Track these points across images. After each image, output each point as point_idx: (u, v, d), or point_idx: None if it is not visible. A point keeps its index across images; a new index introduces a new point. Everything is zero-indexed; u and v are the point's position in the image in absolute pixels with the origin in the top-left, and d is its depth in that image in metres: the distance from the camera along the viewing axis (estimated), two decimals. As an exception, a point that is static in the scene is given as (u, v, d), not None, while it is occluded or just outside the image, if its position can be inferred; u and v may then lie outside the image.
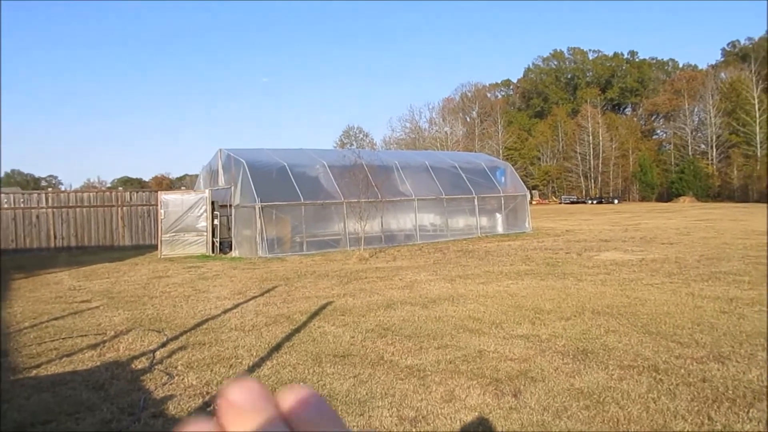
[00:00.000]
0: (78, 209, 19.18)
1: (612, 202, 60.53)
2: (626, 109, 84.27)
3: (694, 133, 65.38)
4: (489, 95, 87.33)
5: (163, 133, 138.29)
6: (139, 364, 5.37)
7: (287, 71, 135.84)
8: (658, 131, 76.53)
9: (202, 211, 15.96)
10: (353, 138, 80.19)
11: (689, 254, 12.30)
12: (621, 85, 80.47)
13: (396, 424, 3.82)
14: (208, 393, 4.52)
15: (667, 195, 61.55)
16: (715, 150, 61.60)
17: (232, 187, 15.92)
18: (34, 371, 5.23)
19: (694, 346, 5.34)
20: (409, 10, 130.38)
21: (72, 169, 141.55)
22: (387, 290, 9.00)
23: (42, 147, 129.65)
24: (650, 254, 12.60)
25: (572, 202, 64.78)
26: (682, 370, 4.66)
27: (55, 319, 7.58)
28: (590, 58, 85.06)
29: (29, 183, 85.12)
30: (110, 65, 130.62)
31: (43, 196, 19.23)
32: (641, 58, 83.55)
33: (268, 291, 9.28)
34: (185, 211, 15.87)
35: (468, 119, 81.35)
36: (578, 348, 5.38)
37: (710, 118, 61.96)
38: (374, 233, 16.22)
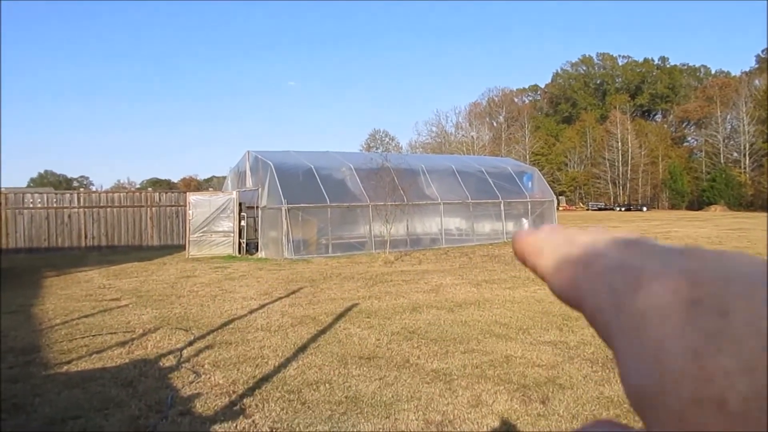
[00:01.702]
0: (108, 209, 19.50)
1: (640, 210, 59.54)
2: (656, 116, 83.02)
3: (726, 141, 64.12)
4: (516, 100, 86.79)
5: (191, 135, 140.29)
6: (167, 362, 5.42)
7: (314, 75, 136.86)
8: (689, 138, 75.23)
9: (229, 212, 16.11)
10: (379, 141, 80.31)
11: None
12: (651, 91, 79.30)
13: (422, 428, 3.79)
14: (234, 392, 4.54)
15: (698, 203, 60.42)
16: (748, 158, 60.32)
17: (259, 189, 16.04)
18: (65, 367, 5.31)
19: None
20: (437, 14, 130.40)
21: (103, 170, 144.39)
22: (412, 293, 8.97)
23: (74, 149, 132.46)
24: (681, 262, 12.36)
25: (600, 209, 63.89)
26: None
27: (86, 316, 7.70)
28: (620, 63, 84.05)
29: (62, 183, 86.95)
30: (140, 70, 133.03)
31: (75, 196, 19.59)
32: (672, 64, 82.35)
33: (293, 292, 9.32)
34: (213, 212, 16.04)
35: (495, 124, 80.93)
36: (607, 356, 5.28)
37: (743, 125, 60.72)
38: (400, 236, 16.20)
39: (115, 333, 6.66)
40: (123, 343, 6.13)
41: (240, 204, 16.26)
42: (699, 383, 0.19)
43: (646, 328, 0.20)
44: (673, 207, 63.45)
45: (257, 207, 16.12)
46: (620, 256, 0.23)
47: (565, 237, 0.26)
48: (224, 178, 22.40)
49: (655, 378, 0.20)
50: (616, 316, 0.21)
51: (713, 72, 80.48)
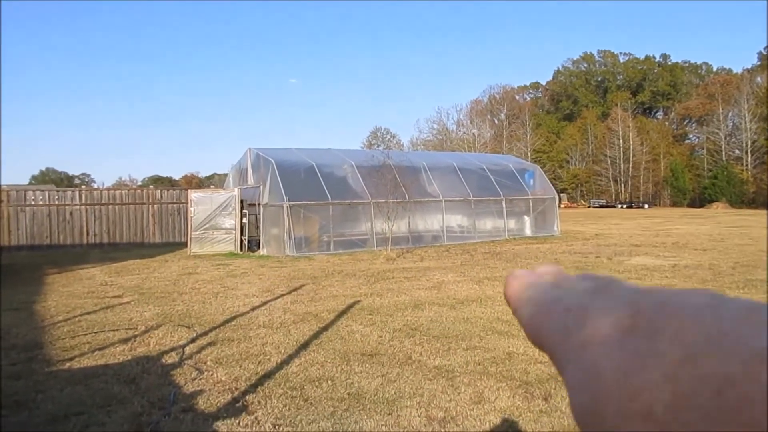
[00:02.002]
0: (110, 206, 19.50)
1: (642, 207, 59.45)
2: (658, 113, 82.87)
3: (728, 138, 64.01)
4: (517, 97, 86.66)
5: (193, 132, 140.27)
6: (169, 359, 5.42)
7: (315, 72, 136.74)
8: (691, 136, 75.08)
9: (231, 209, 16.11)
10: (380, 139, 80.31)
11: (723, 261, 12.03)
12: (652, 88, 79.14)
13: (425, 425, 3.79)
14: (236, 389, 4.54)
15: (700, 201, 60.30)
16: (750, 155, 60.22)
17: (261, 186, 16.04)
18: (68, 364, 5.31)
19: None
20: (438, 12, 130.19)
21: (104, 168, 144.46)
22: (414, 290, 8.96)
23: (76, 146, 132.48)
24: (683, 260, 12.35)
25: (601, 206, 63.85)
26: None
27: (88, 313, 7.70)
28: (621, 61, 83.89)
29: (63, 181, 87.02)
30: (141, 68, 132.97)
31: (77, 193, 19.60)
32: (674, 61, 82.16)
33: (295, 289, 9.32)
34: (214, 210, 16.04)
35: (496, 121, 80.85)
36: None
37: (745, 123, 60.60)
38: (401, 234, 16.20)
39: (117, 330, 6.66)
40: (125, 340, 6.13)
41: (242, 201, 16.26)
42: (627, 398, 0.21)
43: (586, 354, 0.23)
44: (674, 204, 63.37)
45: (259, 204, 16.12)
46: (578, 299, 0.26)
47: (546, 286, 0.30)
48: (226, 175, 22.40)
49: (591, 398, 0.22)
50: (565, 349, 0.24)
51: (715, 69, 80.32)
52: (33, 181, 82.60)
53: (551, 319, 0.26)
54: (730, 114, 64.48)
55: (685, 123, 75.97)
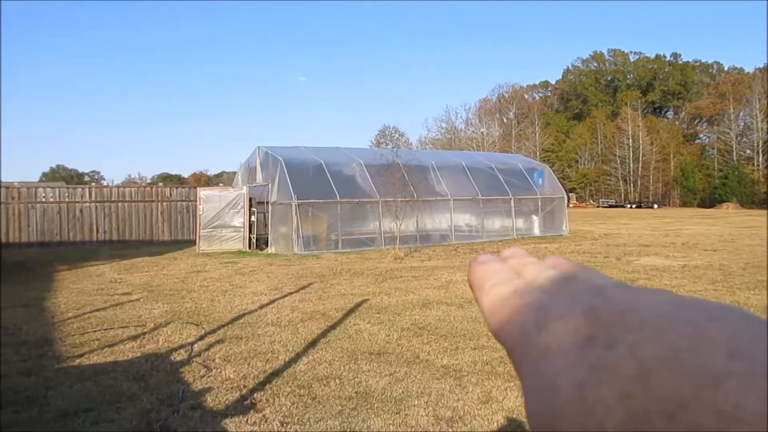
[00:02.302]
0: (120, 204, 19.61)
1: (651, 207, 59.12)
2: (668, 113, 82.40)
3: (739, 138, 63.58)
4: (526, 96, 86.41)
5: (201, 130, 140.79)
6: (178, 357, 5.44)
7: (324, 71, 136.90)
8: (701, 135, 74.61)
9: (239, 207, 16.16)
10: (389, 138, 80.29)
11: (734, 261, 11.94)
12: (663, 87, 78.68)
13: (432, 424, 3.79)
14: (245, 386, 4.56)
15: (710, 201, 59.91)
16: (761, 155, 59.78)
17: (269, 185, 16.07)
18: (77, 360, 5.35)
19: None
20: (446, 10, 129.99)
21: (114, 165, 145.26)
22: (422, 289, 8.96)
23: (86, 144, 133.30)
24: (693, 260, 12.28)
25: (610, 206, 63.55)
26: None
27: (97, 310, 7.75)
28: (631, 60, 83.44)
29: (73, 178, 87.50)
30: (151, 66, 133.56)
31: (87, 190, 19.72)
32: (684, 60, 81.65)
33: (303, 288, 9.33)
34: (223, 208, 16.09)
35: (505, 120, 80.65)
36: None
37: (757, 122, 60.16)
38: (409, 232, 16.19)
39: (126, 327, 6.70)
40: (134, 337, 6.16)
41: (250, 199, 16.31)
42: (582, 414, 0.20)
43: (544, 363, 0.22)
44: (684, 204, 62.99)
45: (267, 202, 16.16)
46: (539, 297, 0.25)
47: (508, 274, 0.29)
48: (234, 173, 22.46)
49: (547, 410, 0.21)
50: (523, 353, 0.23)
51: (726, 68, 79.75)
52: (43, 179, 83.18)
53: (510, 315, 0.25)
54: (741, 113, 64.05)
55: (695, 122, 75.51)
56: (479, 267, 0.30)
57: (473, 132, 79.80)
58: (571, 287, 0.26)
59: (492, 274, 0.29)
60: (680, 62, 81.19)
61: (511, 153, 45.83)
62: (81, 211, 19.09)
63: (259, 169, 17.17)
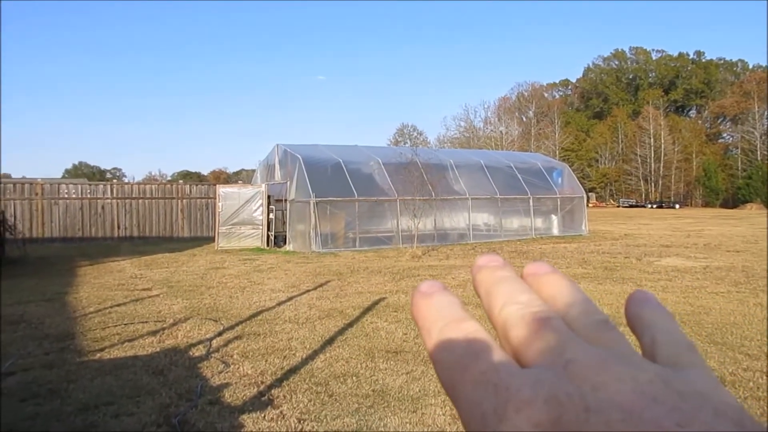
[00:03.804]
0: (140, 201, 19.84)
1: (673, 207, 58.41)
2: (690, 111, 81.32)
3: (763, 137, 62.50)
4: (546, 95, 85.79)
5: (221, 128, 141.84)
6: (197, 352, 5.49)
7: (343, 69, 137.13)
8: (725, 135, 73.56)
9: (258, 204, 16.26)
10: (407, 136, 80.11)
11: (757, 263, 11.75)
12: (686, 86, 77.66)
13: (449, 423, 3.78)
14: (262, 383, 4.59)
15: (733, 201, 59.05)
16: (786, 155, 58.74)
17: (288, 182, 16.14)
18: (98, 354, 5.42)
19: (763, 359, 5.09)
20: (466, 8, 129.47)
21: (135, 162, 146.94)
22: (440, 289, 8.92)
23: (108, 141, 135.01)
24: (715, 261, 12.11)
25: (631, 206, 62.92)
26: (751, 384, 4.45)
27: (118, 305, 7.85)
28: (653, 58, 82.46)
29: (95, 175, 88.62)
30: (172, 64, 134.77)
31: (108, 187, 19.97)
32: (708, 58, 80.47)
33: (321, 285, 9.36)
34: (242, 205, 16.21)
35: (524, 119, 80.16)
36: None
37: (782, 121, 59.13)
38: (427, 231, 16.16)
39: (146, 322, 6.78)
40: (154, 332, 6.23)
41: (269, 197, 16.40)
42: None
43: None
44: (706, 205, 62.15)
45: (285, 200, 16.24)
46: (498, 367, 0.23)
47: (458, 313, 0.26)
48: (253, 171, 22.62)
49: None
50: None
51: (751, 66, 78.36)
52: (66, 175, 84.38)
53: (464, 383, 0.23)
54: (766, 112, 62.93)
55: (719, 121, 74.43)
56: (422, 302, 0.27)
57: (492, 131, 79.43)
58: (539, 346, 0.23)
59: (439, 312, 0.26)
60: (704, 60, 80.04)
61: (531, 152, 45.55)
62: (103, 207, 19.35)
63: (277, 167, 17.25)
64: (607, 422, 0.19)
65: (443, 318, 0.26)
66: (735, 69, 79.84)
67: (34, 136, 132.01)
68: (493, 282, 0.28)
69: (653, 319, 0.27)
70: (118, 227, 19.50)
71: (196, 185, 21.64)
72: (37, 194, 18.56)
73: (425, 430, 3.71)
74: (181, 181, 23.52)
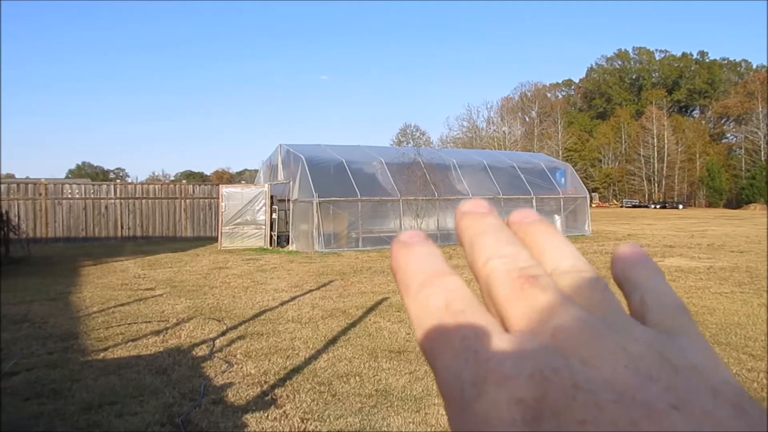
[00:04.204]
0: (144, 201, 19.87)
1: (676, 207, 58.31)
2: (694, 112, 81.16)
3: (767, 138, 62.32)
4: (549, 95, 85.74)
5: (224, 128, 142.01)
6: (200, 352, 5.49)
7: (346, 69, 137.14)
8: (728, 135, 73.40)
9: (261, 204, 16.27)
10: (410, 136, 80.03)
11: (761, 263, 11.71)
12: (689, 86, 77.52)
13: (452, 423, 3.77)
14: (265, 382, 4.59)
15: (737, 202, 58.89)
16: (790, 155, 58.57)
17: (291, 182, 16.15)
18: (102, 354, 5.43)
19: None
20: (469, 8, 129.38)
21: (138, 163, 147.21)
22: (443, 289, 8.92)
23: (111, 141, 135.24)
24: (718, 262, 12.08)
25: (634, 206, 62.81)
26: (755, 384, 4.43)
27: (122, 305, 7.86)
28: (657, 58, 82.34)
29: (99, 175, 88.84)
30: (174, 64, 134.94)
31: (112, 187, 20.01)
32: (711, 58, 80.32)
33: (324, 285, 9.37)
34: (245, 205, 16.22)
35: (527, 119, 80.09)
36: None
37: (786, 121, 58.96)
38: (430, 231, 16.14)
39: (149, 322, 6.78)
40: (157, 332, 6.24)
41: (271, 197, 16.41)
42: None
43: None
44: (710, 205, 62.01)
45: (288, 200, 16.24)
46: (478, 333, 0.21)
47: (440, 266, 0.24)
48: (256, 171, 22.62)
49: None
50: (461, 414, 0.19)
51: (755, 66, 78.20)
52: (70, 175, 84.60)
53: (443, 350, 0.21)
54: (769, 113, 62.81)
55: (722, 122, 74.28)
56: (401, 253, 0.24)
57: (495, 131, 79.34)
58: (525, 308, 0.21)
59: (419, 265, 0.24)
60: (707, 60, 79.90)
61: (534, 152, 45.50)
62: (106, 207, 19.38)
63: (280, 167, 17.26)
64: (597, 403, 0.18)
65: (423, 271, 0.23)
66: (739, 69, 79.68)
67: (37, 136, 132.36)
68: (478, 231, 0.25)
69: (642, 277, 0.25)
70: (122, 227, 19.54)
71: (199, 185, 21.66)
72: (40, 194, 18.61)
73: (429, 430, 3.71)
74: (184, 181, 23.55)
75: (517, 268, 0.23)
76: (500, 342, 0.20)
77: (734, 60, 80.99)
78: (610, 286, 0.25)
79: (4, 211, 14.56)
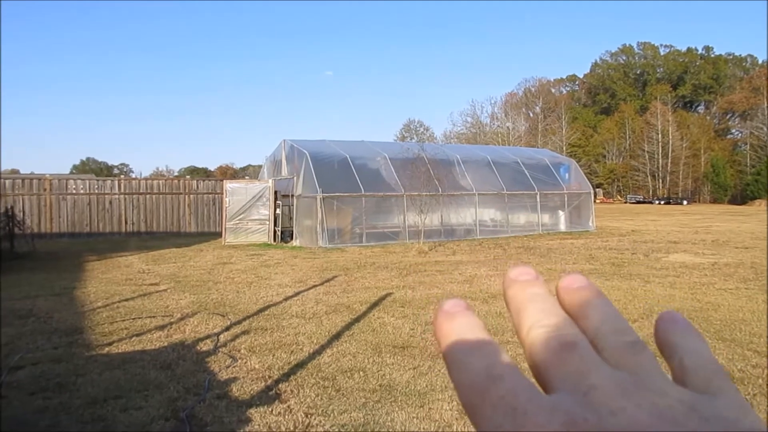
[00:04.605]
0: (148, 196, 19.90)
1: (680, 203, 58.15)
2: (699, 107, 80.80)
3: (772, 133, 62.06)
4: (553, 90, 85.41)
5: (228, 124, 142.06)
6: (204, 347, 5.51)
7: (349, 65, 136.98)
8: (733, 131, 73.08)
9: (265, 200, 16.28)
10: (413, 131, 79.98)
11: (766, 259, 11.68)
12: (694, 81, 77.13)
13: (456, 418, 3.77)
14: (270, 377, 4.60)
15: (741, 198, 58.70)
16: (795, 151, 58.30)
17: (295, 178, 16.15)
18: (106, 349, 5.44)
19: (773, 354, 5.06)
20: (471, 3, 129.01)
21: (142, 158, 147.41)
22: (446, 284, 8.93)
23: (115, 137, 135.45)
24: (723, 258, 12.04)
25: (638, 202, 62.63)
26: (760, 380, 4.42)
27: (126, 300, 7.88)
28: (661, 53, 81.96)
29: (103, 170, 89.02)
30: (178, 60, 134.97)
31: (116, 182, 20.05)
32: (717, 53, 79.89)
33: (328, 280, 9.37)
34: (249, 200, 16.23)
35: (531, 115, 79.87)
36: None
37: (791, 117, 58.66)
38: (434, 227, 16.14)
39: (154, 317, 6.80)
40: (162, 327, 6.25)
41: (275, 192, 16.42)
42: None
43: None
44: (714, 201, 61.82)
45: (292, 195, 16.25)
46: (515, 388, 0.23)
47: (482, 335, 0.26)
48: (260, 166, 22.63)
49: None
50: None
51: (760, 62, 77.67)
52: (74, 171, 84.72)
53: (485, 409, 0.23)
54: (775, 108, 62.51)
55: (727, 117, 73.95)
56: (445, 324, 0.27)
57: (499, 126, 79.13)
58: (562, 372, 0.23)
59: (462, 334, 0.26)
60: (712, 55, 79.50)
61: (537, 147, 45.40)
62: (110, 202, 19.42)
63: (284, 163, 17.26)
64: None
65: (468, 344, 0.25)
66: (744, 64, 79.25)
67: (42, 132, 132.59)
68: (524, 299, 0.27)
69: (682, 341, 0.26)
70: (126, 222, 19.58)
71: (203, 181, 21.68)
72: (45, 190, 18.65)
73: (432, 425, 3.71)
74: (188, 177, 23.59)
75: (556, 336, 0.25)
76: (536, 399, 0.22)
77: (740, 55, 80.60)
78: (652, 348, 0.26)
79: (9, 207, 14.60)
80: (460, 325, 0.26)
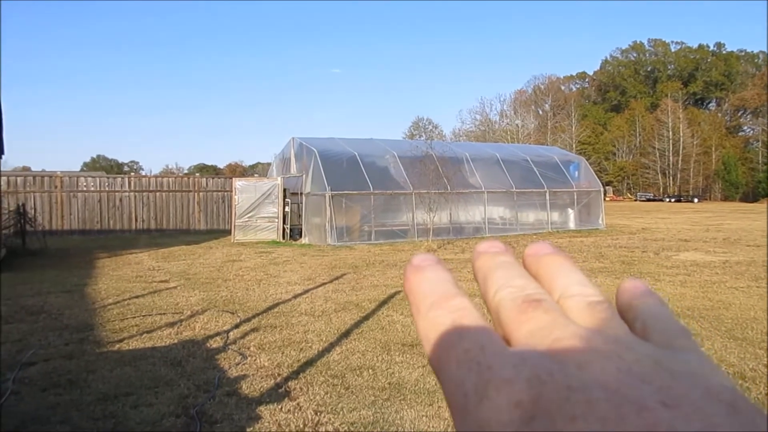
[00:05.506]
0: (158, 193, 19.99)
1: (691, 201, 57.74)
2: (710, 104, 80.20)
3: (785, 130, 61.54)
4: (563, 88, 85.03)
5: (237, 121, 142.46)
6: (214, 344, 5.53)
7: (358, 62, 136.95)
8: (745, 128, 72.50)
9: (274, 198, 16.31)
10: (422, 129, 79.88)
11: (778, 257, 11.58)
12: (705, 78, 76.56)
13: (466, 417, 3.77)
14: (279, 375, 4.61)
15: (753, 195, 58.27)
16: (808, 148, 57.76)
17: (304, 175, 16.17)
18: (117, 345, 5.48)
19: (785, 354, 5.02)
20: (481, 1, 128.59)
21: (152, 156, 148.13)
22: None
23: (125, 134, 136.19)
24: (734, 256, 11.95)
25: (648, 200, 62.28)
26: (772, 379, 4.39)
27: (136, 297, 7.92)
28: (672, 50, 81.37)
29: (113, 168, 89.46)
30: (187, 58, 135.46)
31: (126, 180, 20.15)
32: (728, 50, 79.22)
33: (337, 278, 9.38)
34: (258, 198, 16.27)
35: (540, 112, 79.56)
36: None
37: (804, 114, 58.12)
38: (442, 225, 16.12)
39: (164, 314, 6.83)
40: (172, 324, 6.28)
41: (284, 190, 16.45)
42: None
43: None
44: (726, 199, 61.38)
45: (301, 193, 16.27)
46: (482, 345, 0.22)
47: (449, 289, 0.25)
48: (269, 164, 22.66)
49: None
50: (465, 420, 0.21)
51: (772, 58, 77.09)
52: (85, 168, 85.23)
53: (449, 361, 0.22)
54: (788, 105, 61.95)
55: (739, 114, 73.35)
56: (413, 276, 0.26)
57: (508, 124, 78.92)
58: (528, 327, 0.23)
59: (430, 287, 0.25)
60: (724, 52, 78.87)
61: (547, 145, 45.22)
62: (120, 200, 19.53)
63: (293, 160, 17.29)
64: (589, 401, 0.19)
65: (433, 293, 0.25)
66: (756, 61, 78.54)
67: (52, 129, 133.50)
68: (491, 267, 0.27)
69: (643, 305, 0.26)
70: (136, 220, 19.68)
71: (213, 178, 21.76)
72: (56, 187, 18.78)
73: (442, 423, 3.70)
74: (197, 174, 23.65)
75: (522, 295, 0.25)
76: (501, 353, 0.22)
77: (752, 52, 79.90)
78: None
79: (20, 204, 14.71)
80: (429, 280, 0.26)
